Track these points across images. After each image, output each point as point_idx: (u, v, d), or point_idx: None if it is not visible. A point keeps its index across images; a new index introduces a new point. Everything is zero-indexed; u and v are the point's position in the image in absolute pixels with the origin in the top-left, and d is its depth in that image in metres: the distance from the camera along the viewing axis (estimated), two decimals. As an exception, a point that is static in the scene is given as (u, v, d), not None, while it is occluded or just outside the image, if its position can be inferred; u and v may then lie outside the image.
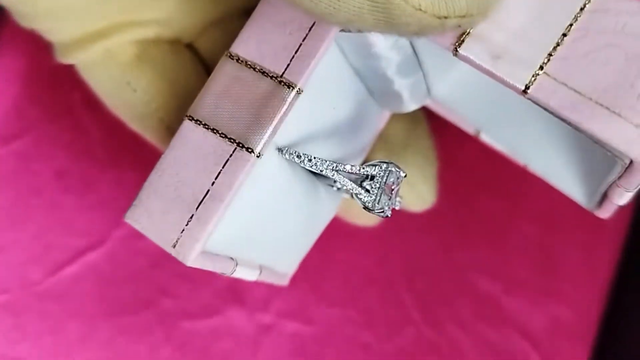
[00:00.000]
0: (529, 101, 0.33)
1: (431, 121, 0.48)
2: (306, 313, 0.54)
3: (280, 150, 0.37)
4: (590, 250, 0.55)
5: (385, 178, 0.36)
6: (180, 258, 0.34)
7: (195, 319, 0.53)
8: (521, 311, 0.54)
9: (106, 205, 0.53)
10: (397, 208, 0.39)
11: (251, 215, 0.37)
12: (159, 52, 0.42)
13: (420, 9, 0.28)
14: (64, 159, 0.53)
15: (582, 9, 0.32)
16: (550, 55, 0.32)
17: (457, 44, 0.33)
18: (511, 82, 0.32)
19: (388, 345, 0.54)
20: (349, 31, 0.36)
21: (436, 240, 0.55)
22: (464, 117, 0.44)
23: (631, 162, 0.32)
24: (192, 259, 0.34)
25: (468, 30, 0.33)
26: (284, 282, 0.45)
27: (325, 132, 0.40)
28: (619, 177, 0.34)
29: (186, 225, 0.34)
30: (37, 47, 0.44)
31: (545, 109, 0.32)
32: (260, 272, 0.41)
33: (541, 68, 0.32)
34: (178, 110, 0.42)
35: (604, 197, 0.38)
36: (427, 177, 0.48)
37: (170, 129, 0.42)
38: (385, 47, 0.38)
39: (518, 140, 0.43)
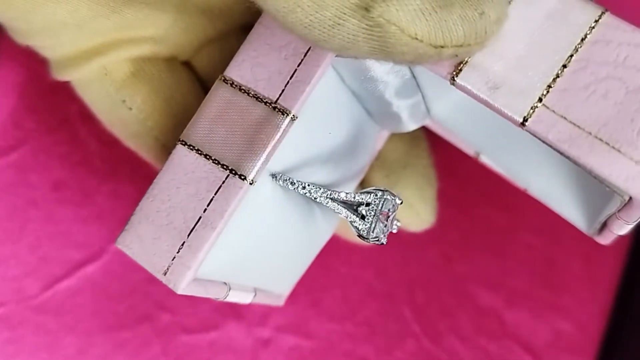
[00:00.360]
0: (528, 132, 0.32)
1: (432, 135, 0.47)
2: (305, 327, 0.53)
3: (274, 176, 0.36)
4: (593, 263, 0.55)
5: (380, 206, 0.36)
6: (171, 286, 0.34)
7: (194, 333, 0.53)
8: (522, 324, 0.54)
9: (103, 218, 0.53)
10: (394, 232, 0.38)
11: (245, 241, 0.37)
12: (155, 69, 0.42)
13: (417, 38, 0.27)
14: (61, 171, 0.53)
15: (582, 40, 0.32)
16: (549, 86, 0.31)
17: (454, 73, 0.32)
18: (509, 113, 0.32)
19: (388, 358, 0.54)
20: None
21: (437, 252, 0.54)
22: (464, 139, 0.44)
23: (631, 198, 0.31)
24: (183, 287, 0.34)
25: (466, 60, 0.32)
26: (280, 302, 0.45)
27: (321, 157, 0.39)
28: (619, 210, 0.34)
29: (177, 252, 0.34)
30: (34, 59, 0.43)
31: (544, 142, 0.32)
32: (255, 294, 0.40)
33: (540, 100, 0.31)
34: (174, 129, 0.42)
35: (604, 225, 0.37)
36: (426, 198, 0.47)
37: (166, 148, 0.42)
38: (383, 71, 0.37)
39: (518, 164, 0.42)
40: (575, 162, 0.31)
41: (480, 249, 0.55)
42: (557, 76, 0.31)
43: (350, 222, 0.36)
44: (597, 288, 0.54)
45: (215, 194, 0.34)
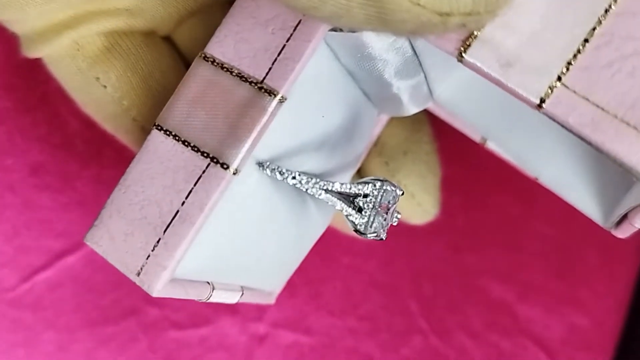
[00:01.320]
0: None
1: (436, 117, 0.46)
2: (304, 322, 0.52)
3: (260, 165, 0.34)
4: (610, 255, 0.54)
5: (379, 198, 0.34)
6: (145, 288, 0.32)
7: (184, 328, 0.51)
8: (536, 319, 0.53)
9: (85, 204, 0.51)
10: (394, 224, 0.36)
11: (228, 237, 0.35)
12: (131, 44, 0.40)
13: (419, 4, 0.25)
14: (40, 154, 0.51)
15: (606, 11, 0.29)
16: (569, 64, 0.29)
17: (462, 48, 0.30)
18: (524, 94, 0.29)
19: (393, 356, 0.53)
20: (340, 30, 0.33)
21: (445, 243, 0.53)
22: (470, 124, 0.42)
23: (660, 189, 0.29)
24: (159, 289, 0.32)
25: (475, 33, 0.29)
26: (270, 301, 0.43)
27: (314, 143, 0.37)
28: (644, 202, 0.31)
29: (152, 250, 0.32)
30: (9, 35, 0.42)
31: (563, 126, 0.29)
32: (242, 293, 0.39)
33: (559, 79, 0.29)
34: (153, 109, 0.40)
35: (624, 218, 0.35)
36: (429, 187, 0.46)
37: (145, 130, 0.40)
38: (381, 48, 0.35)
39: (528, 151, 0.41)
40: (598, 149, 0.29)
41: (491, 239, 0.53)
42: (578, 52, 0.29)
43: (346, 215, 0.34)
44: (615, 281, 0.54)
45: (194, 185, 0.32)
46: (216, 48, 0.33)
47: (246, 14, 0.33)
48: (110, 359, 0.51)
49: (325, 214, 0.41)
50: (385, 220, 0.34)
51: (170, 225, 0.32)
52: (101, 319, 0.51)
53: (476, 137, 0.42)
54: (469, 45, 0.29)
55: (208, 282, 0.35)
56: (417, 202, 0.45)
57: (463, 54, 0.30)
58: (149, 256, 0.32)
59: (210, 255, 0.34)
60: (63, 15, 0.38)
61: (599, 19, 0.29)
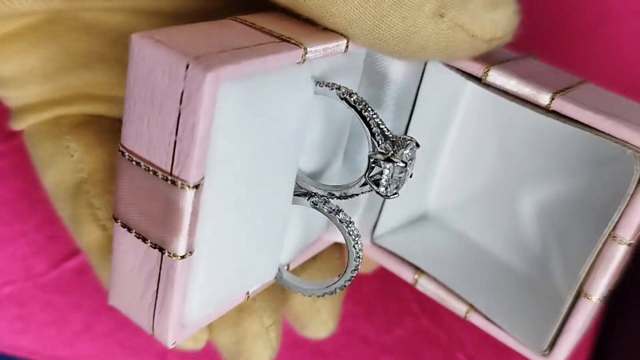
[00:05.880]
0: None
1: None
2: (305, 306, 0.53)
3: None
4: None
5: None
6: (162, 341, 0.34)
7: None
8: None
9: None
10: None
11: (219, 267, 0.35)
12: (110, 124, 0.41)
13: (474, 36, 0.33)
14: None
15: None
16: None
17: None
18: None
19: (387, 336, 0.55)
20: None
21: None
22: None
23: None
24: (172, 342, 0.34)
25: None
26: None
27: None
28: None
29: (154, 319, 0.34)
30: None
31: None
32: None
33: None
34: (110, 195, 0.40)
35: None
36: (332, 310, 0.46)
37: (99, 222, 0.40)
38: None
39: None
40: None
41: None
42: None
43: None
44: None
45: (159, 278, 0.32)
46: (126, 138, 0.31)
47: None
48: (130, 338, 0.53)
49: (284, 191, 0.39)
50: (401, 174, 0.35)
51: (156, 311, 0.33)
52: (122, 302, 0.53)
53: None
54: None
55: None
56: (321, 318, 0.45)
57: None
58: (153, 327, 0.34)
59: (209, 295, 0.35)
60: (59, 95, 0.40)
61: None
